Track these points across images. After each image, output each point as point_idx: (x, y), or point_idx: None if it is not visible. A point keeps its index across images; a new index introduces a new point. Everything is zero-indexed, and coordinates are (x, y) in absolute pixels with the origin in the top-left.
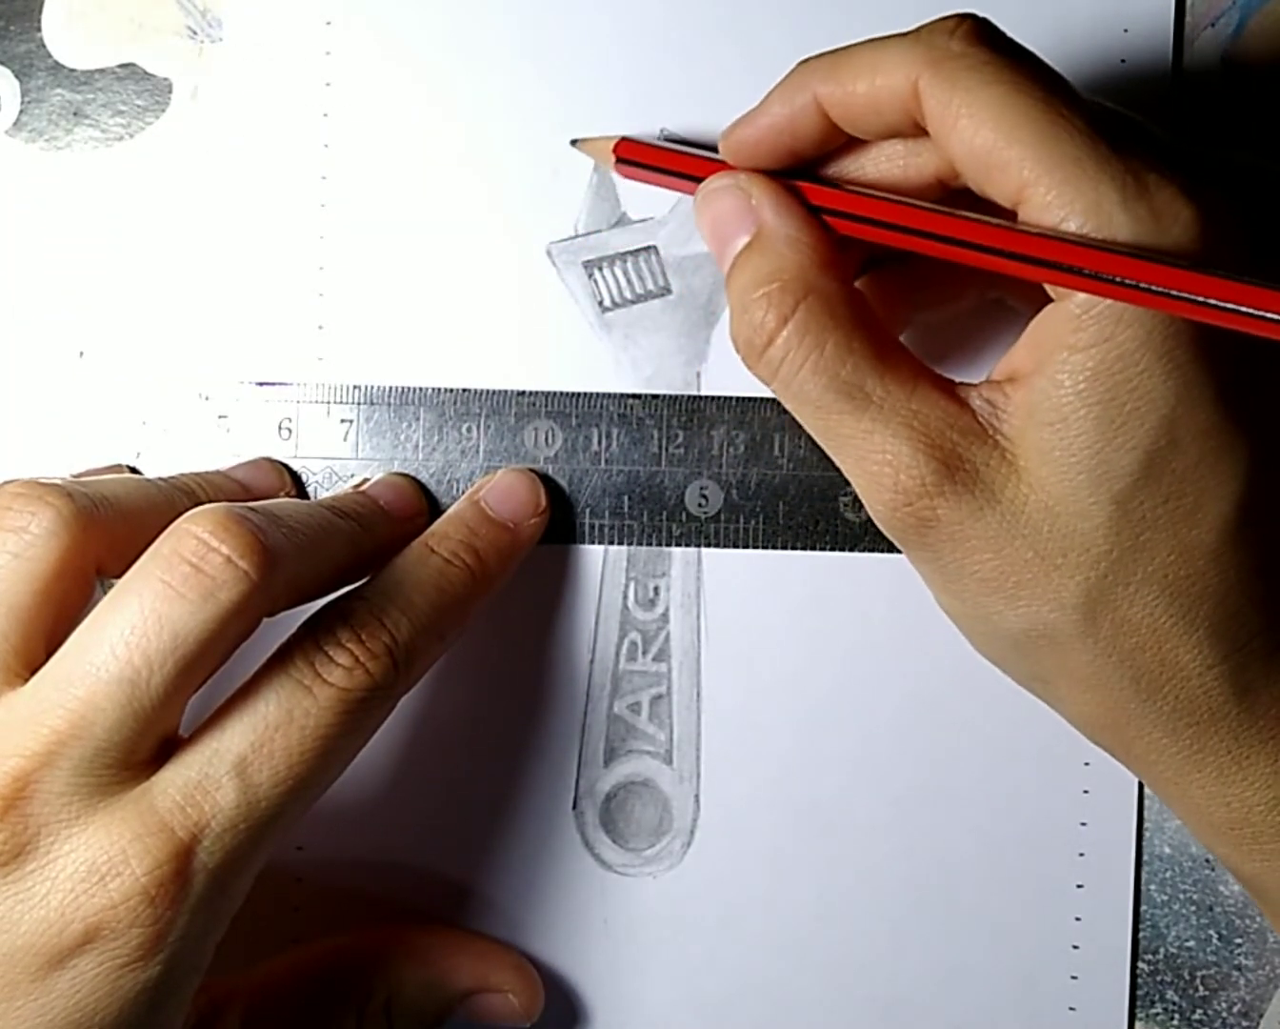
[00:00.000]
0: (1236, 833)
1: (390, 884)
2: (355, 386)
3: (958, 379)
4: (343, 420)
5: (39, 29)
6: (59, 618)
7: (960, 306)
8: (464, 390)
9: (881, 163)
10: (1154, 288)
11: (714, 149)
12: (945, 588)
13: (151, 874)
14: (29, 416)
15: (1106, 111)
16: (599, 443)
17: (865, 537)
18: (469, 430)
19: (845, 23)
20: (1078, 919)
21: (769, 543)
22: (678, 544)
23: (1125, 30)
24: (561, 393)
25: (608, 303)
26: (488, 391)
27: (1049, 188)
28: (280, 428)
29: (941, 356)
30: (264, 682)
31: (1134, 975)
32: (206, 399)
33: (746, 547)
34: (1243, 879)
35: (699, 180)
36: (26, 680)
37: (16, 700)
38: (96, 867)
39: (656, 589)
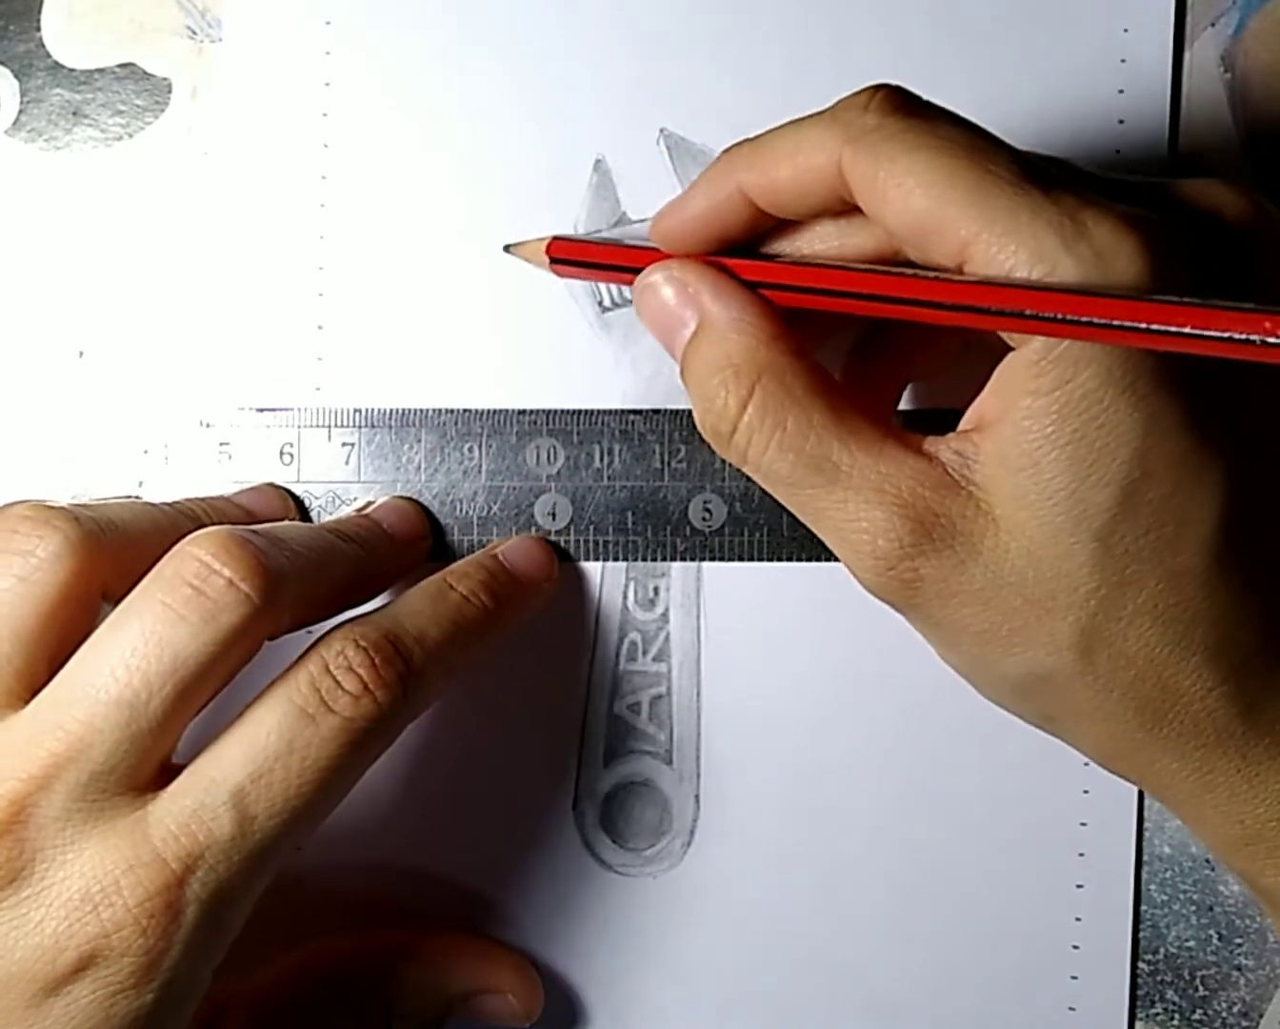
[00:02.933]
0: (1252, 849)
1: (390, 884)
2: (356, 410)
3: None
4: (344, 444)
5: (38, 29)
6: (63, 641)
7: (948, 365)
8: (465, 411)
9: (816, 243)
10: (1102, 321)
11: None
12: (941, 643)
13: (142, 905)
14: (29, 417)
15: (1032, 158)
16: (601, 459)
17: None
18: (470, 451)
19: (846, 23)
20: (1078, 919)
21: (773, 555)
22: (682, 558)
23: (1125, 30)
24: (563, 411)
25: (607, 303)
26: (488, 411)
27: (989, 241)
28: (282, 453)
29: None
30: (266, 708)
31: (1134, 975)
32: (207, 426)
33: (751, 560)
34: (1260, 892)
35: (634, 270)
36: (28, 703)
37: (16, 723)
38: (90, 894)
39: (656, 589)
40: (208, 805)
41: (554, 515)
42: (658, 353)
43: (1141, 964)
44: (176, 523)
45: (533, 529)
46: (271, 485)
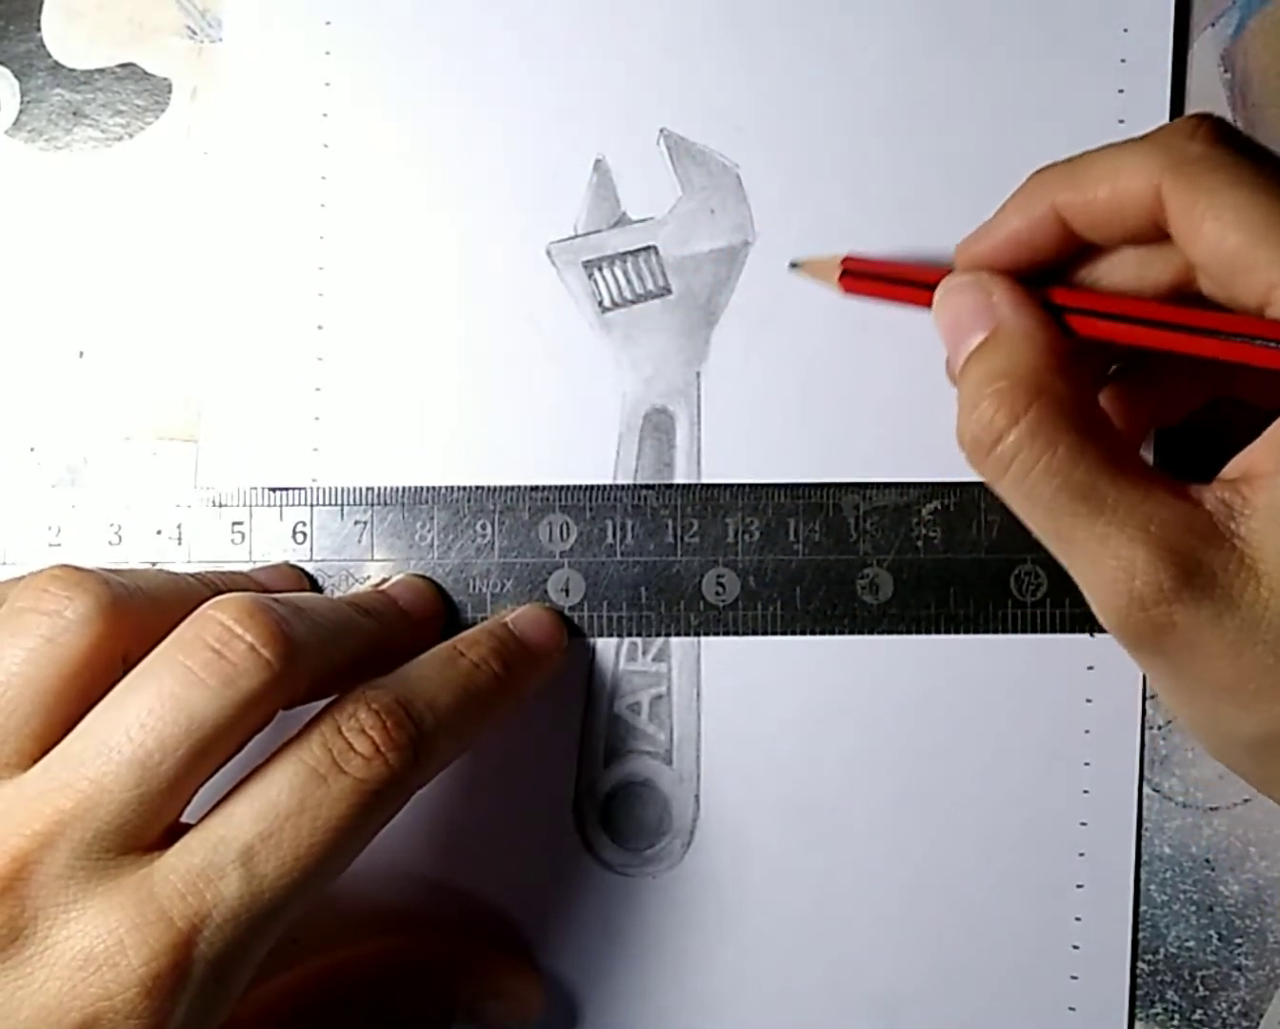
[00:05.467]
0: None
1: (390, 885)
2: (368, 488)
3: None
4: (357, 522)
5: (38, 29)
6: (82, 703)
7: (1195, 411)
8: (477, 488)
9: (1115, 273)
10: None
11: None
12: (1177, 694)
13: (148, 965)
14: (29, 417)
15: None
16: (614, 535)
17: (884, 619)
18: (483, 528)
19: (846, 23)
20: (1078, 919)
21: (788, 628)
22: (697, 633)
23: (1125, 30)
24: (575, 487)
25: (607, 303)
26: (501, 488)
27: None
28: (295, 532)
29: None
30: (277, 768)
31: (1134, 975)
32: (219, 506)
33: (766, 633)
34: None
35: (929, 287)
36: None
37: (25, 781)
38: (94, 955)
39: None
40: (215, 864)
41: (567, 591)
42: (657, 353)
43: (1141, 964)
44: (199, 592)
45: (545, 605)
46: (289, 564)
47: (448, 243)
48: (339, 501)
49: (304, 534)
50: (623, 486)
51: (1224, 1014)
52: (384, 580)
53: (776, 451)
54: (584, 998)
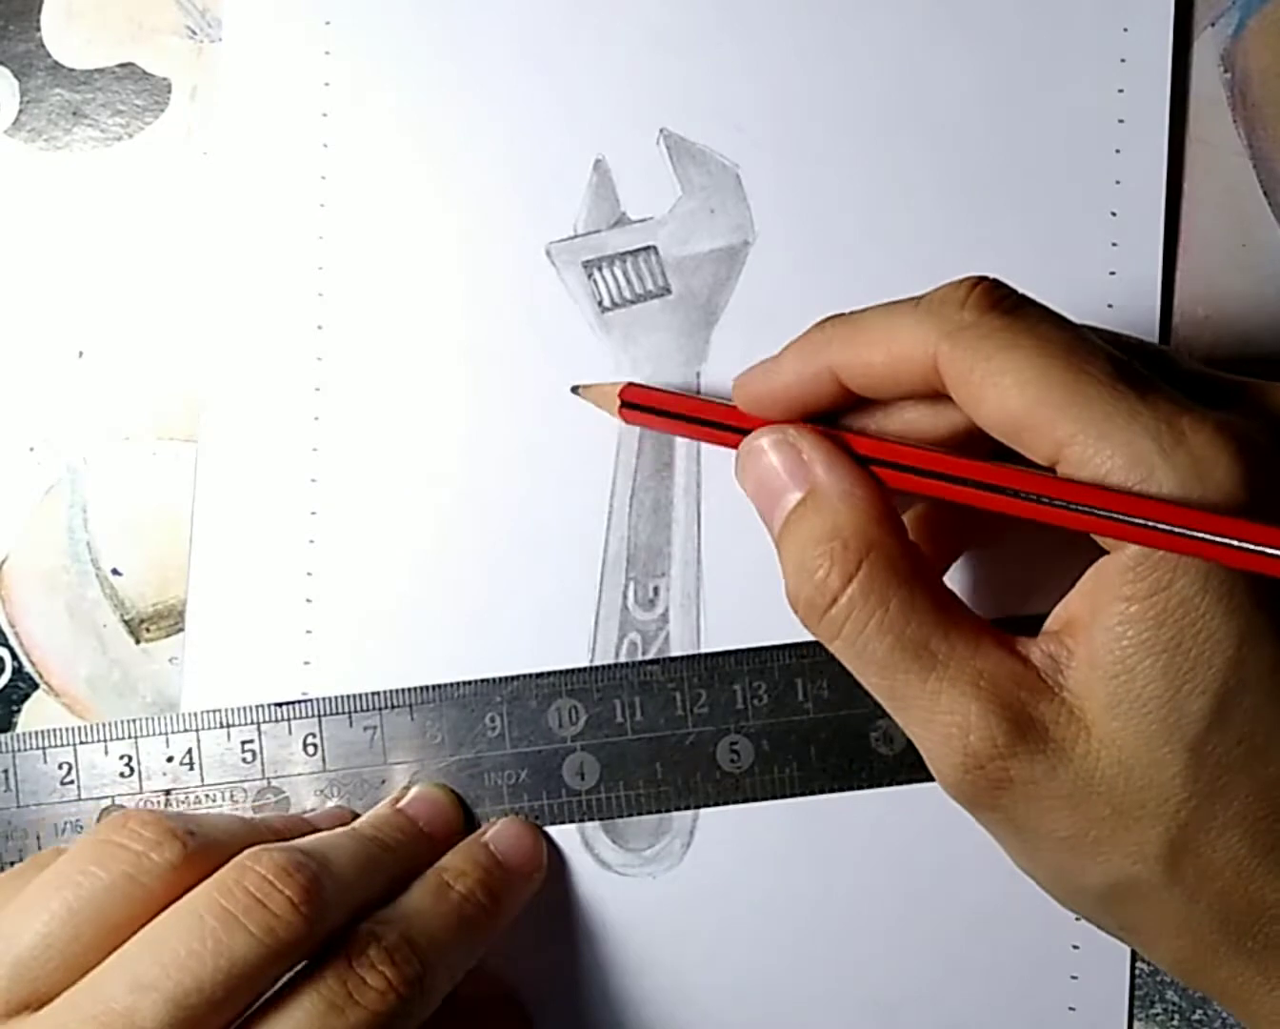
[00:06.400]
0: None
1: None
2: (375, 693)
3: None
4: (366, 728)
5: (38, 28)
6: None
7: (1005, 542)
8: (482, 681)
9: (902, 423)
10: (1202, 535)
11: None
12: (1020, 848)
13: None
14: (28, 417)
15: (1126, 350)
16: (623, 713)
17: (901, 769)
18: (492, 720)
19: (845, 22)
20: (1078, 919)
21: (805, 789)
22: (715, 804)
23: (1125, 30)
24: (579, 669)
25: (607, 303)
26: (506, 679)
27: (1085, 444)
28: (305, 745)
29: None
30: (296, 1001)
31: (1134, 975)
32: (227, 727)
33: (785, 796)
34: None
35: (709, 423)
36: None
37: (46, 1015)
38: None
39: (656, 589)
40: None
41: (583, 775)
42: (657, 353)
43: (1141, 964)
44: (266, 838)
45: (563, 792)
46: (338, 807)
47: (447, 242)
48: (346, 709)
49: (314, 745)
50: (626, 664)
51: (1224, 1014)
52: (403, 792)
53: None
54: (584, 998)
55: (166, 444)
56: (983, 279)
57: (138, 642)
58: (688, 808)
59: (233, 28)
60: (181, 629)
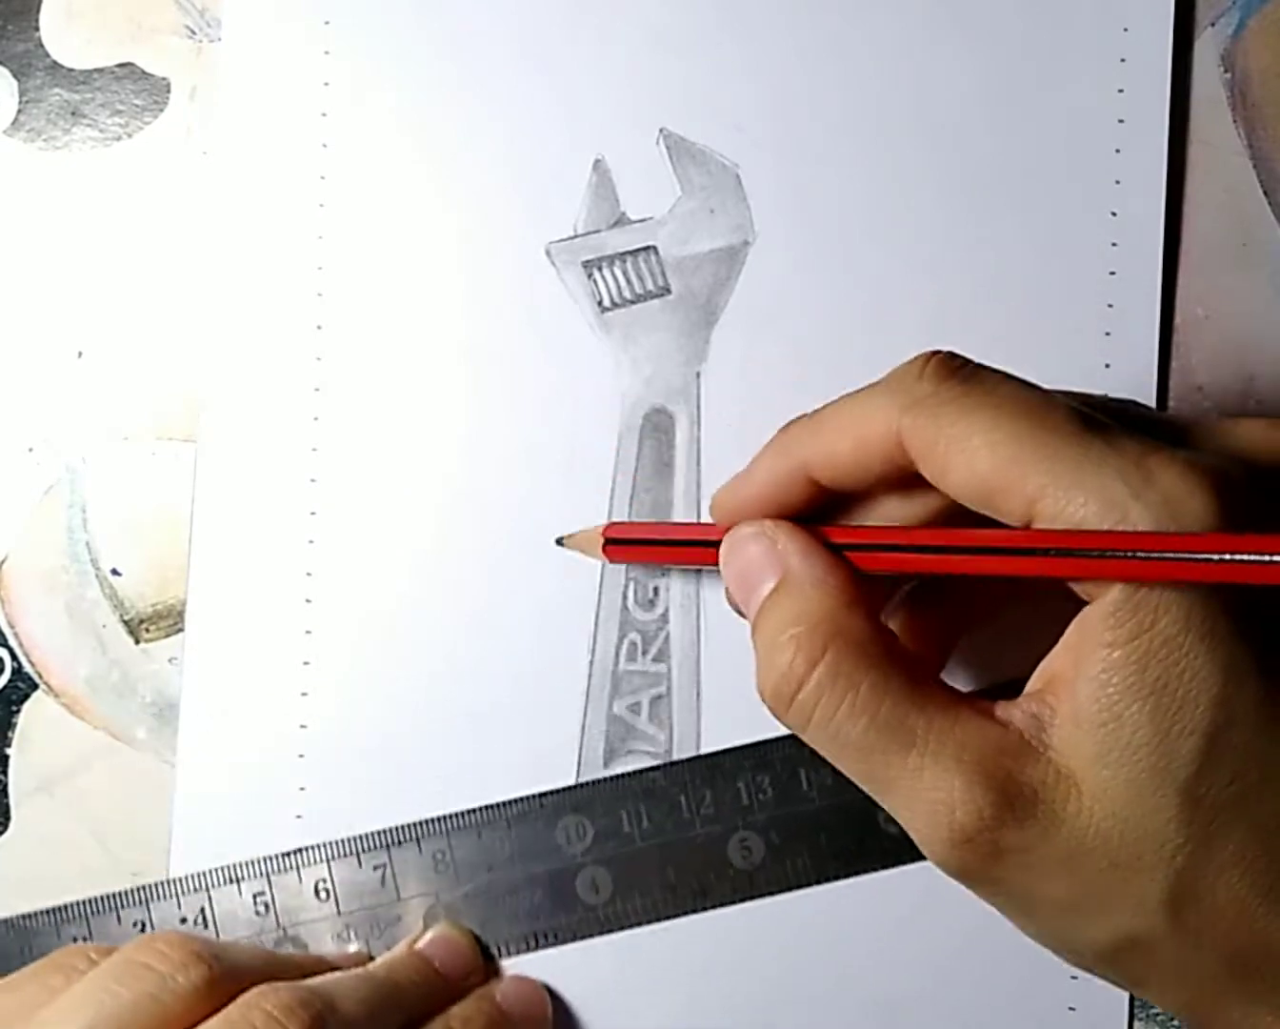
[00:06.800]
0: None
1: None
2: (380, 832)
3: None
4: (375, 867)
5: (37, 28)
6: None
7: (999, 622)
8: (486, 807)
9: (878, 516)
10: (1178, 554)
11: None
12: (1018, 916)
13: None
14: (28, 417)
15: (1087, 404)
16: (630, 823)
17: (912, 846)
18: (501, 845)
19: (845, 22)
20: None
21: (820, 877)
22: (732, 902)
23: (1125, 30)
24: (581, 784)
25: (607, 303)
26: (511, 801)
27: (1057, 495)
28: (317, 890)
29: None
30: None
31: None
32: (238, 881)
33: (800, 887)
34: None
35: (692, 544)
36: None
37: None
38: None
39: (656, 589)
40: None
41: (597, 889)
42: (657, 353)
43: None
44: (289, 973)
45: (579, 908)
46: (359, 952)
47: (447, 242)
48: (354, 850)
49: (326, 890)
50: (628, 773)
51: None
52: (420, 933)
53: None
54: (584, 999)
55: (166, 444)
56: (936, 352)
57: (137, 642)
58: (704, 910)
59: (232, 27)
60: (181, 629)
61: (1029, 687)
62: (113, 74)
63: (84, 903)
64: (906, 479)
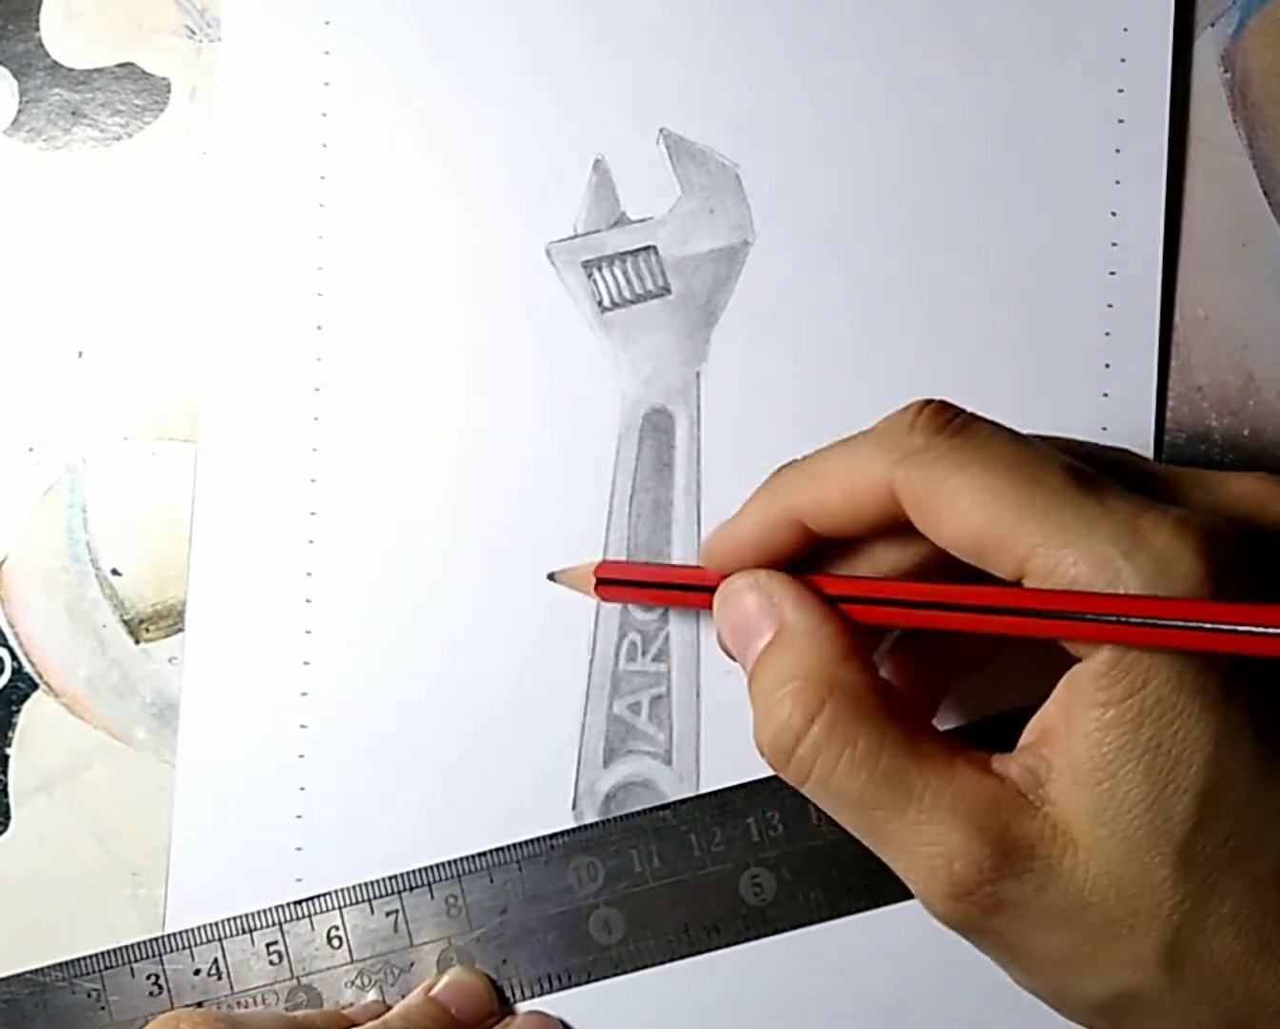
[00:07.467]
0: None
1: None
2: (391, 877)
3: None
4: (388, 913)
5: (37, 28)
6: None
7: (992, 667)
8: (497, 849)
9: (869, 564)
10: (1168, 621)
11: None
12: (1015, 967)
13: None
14: (28, 417)
15: (1080, 456)
16: (640, 863)
17: None
18: (512, 885)
19: (845, 22)
20: None
21: (833, 912)
22: (745, 940)
23: (1125, 30)
24: (590, 824)
25: (607, 303)
26: (520, 843)
27: (1048, 554)
28: (330, 938)
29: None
30: None
31: None
32: (251, 931)
33: (814, 922)
34: None
35: (682, 587)
36: None
37: None
38: None
39: None
40: None
41: (609, 929)
42: (657, 353)
43: None
44: None
45: (592, 949)
46: (376, 1002)
47: (447, 242)
48: (366, 896)
49: (339, 938)
50: (637, 813)
51: None
52: (436, 979)
53: (776, 452)
54: (583, 1000)
55: (166, 444)
56: (929, 402)
57: (137, 642)
58: (717, 948)
59: (232, 27)
60: (181, 629)
61: (1023, 739)
62: (113, 74)
63: (97, 957)
64: (899, 527)
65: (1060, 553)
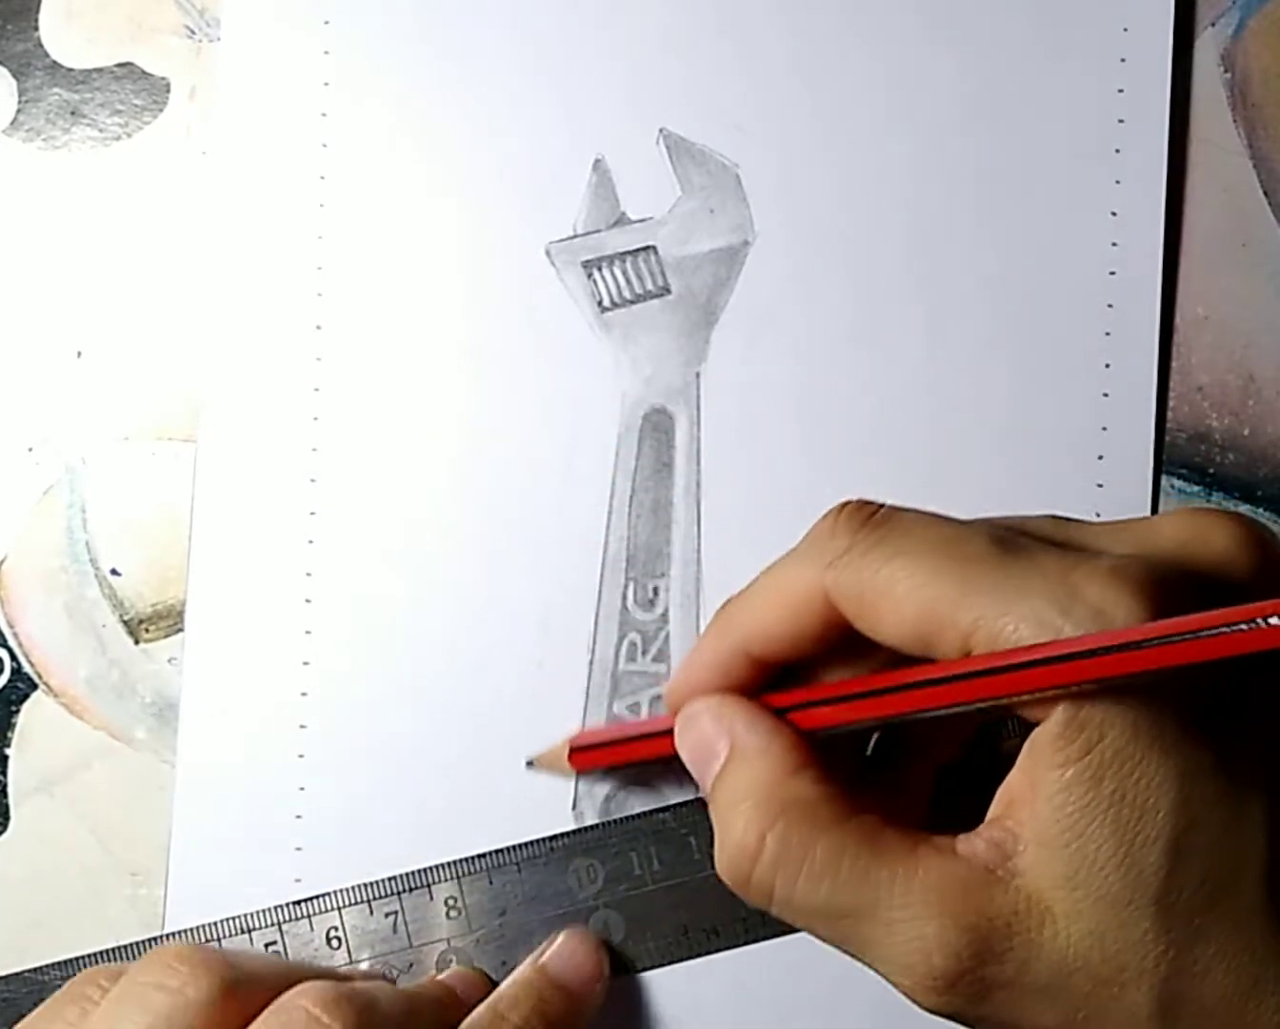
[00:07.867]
0: None
1: None
2: (390, 878)
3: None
4: (387, 914)
5: (36, 28)
6: None
7: (966, 748)
8: (496, 851)
9: (832, 670)
10: (1108, 646)
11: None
12: None
13: None
14: (27, 417)
15: (1007, 527)
16: (640, 865)
17: None
18: (512, 888)
19: (845, 22)
20: None
21: None
22: (745, 943)
23: (1125, 30)
24: (591, 826)
25: (607, 303)
26: (519, 846)
27: (988, 626)
28: (329, 938)
29: None
30: None
31: None
32: (249, 931)
33: None
34: None
35: (651, 736)
36: None
37: None
38: None
39: (656, 589)
40: None
41: (609, 931)
42: (657, 353)
43: None
44: (303, 978)
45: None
46: (378, 971)
47: (447, 242)
48: (365, 898)
49: (339, 939)
50: (637, 815)
51: None
52: (438, 972)
53: (776, 452)
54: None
55: (166, 444)
56: (846, 503)
57: (137, 642)
58: (717, 951)
59: (231, 27)
60: (181, 629)
61: (990, 812)
62: (112, 74)
63: (97, 957)
64: (848, 638)
65: (1000, 622)
